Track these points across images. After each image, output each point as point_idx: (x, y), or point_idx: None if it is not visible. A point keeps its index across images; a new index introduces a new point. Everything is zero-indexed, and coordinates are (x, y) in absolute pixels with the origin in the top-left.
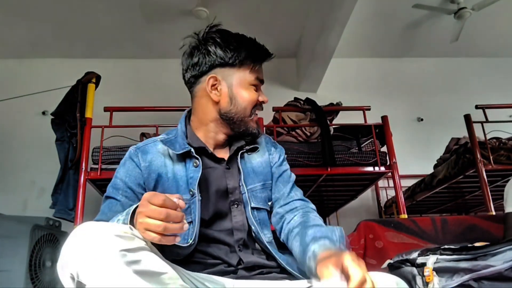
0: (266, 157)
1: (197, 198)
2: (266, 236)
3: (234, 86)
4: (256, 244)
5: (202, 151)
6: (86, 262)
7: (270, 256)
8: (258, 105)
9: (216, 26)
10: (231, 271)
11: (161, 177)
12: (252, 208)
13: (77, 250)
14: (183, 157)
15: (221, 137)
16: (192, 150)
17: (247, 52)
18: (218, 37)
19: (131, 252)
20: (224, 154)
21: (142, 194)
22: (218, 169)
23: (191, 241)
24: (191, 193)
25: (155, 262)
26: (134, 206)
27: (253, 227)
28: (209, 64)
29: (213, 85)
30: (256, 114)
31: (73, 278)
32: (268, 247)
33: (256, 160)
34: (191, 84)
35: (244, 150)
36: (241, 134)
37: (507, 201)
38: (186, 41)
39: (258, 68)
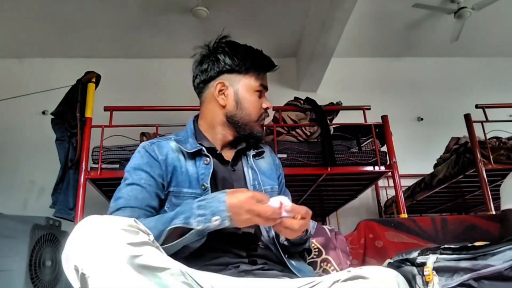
0: (273, 165)
1: (210, 192)
2: (272, 232)
3: (240, 91)
4: (263, 237)
5: (211, 151)
6: (90, 254)
7: (274, 250)
8: (263, 112)
9: (226, 38)
10: (235, 262)
11: (176, 170)
12: None
13: (82, 242)
14: (193, 156)
15: (228, 138)
16: (204, 148)
17: (253, 61)
18: (226, 46)
19: (136, 246)
20: (230, 155)
21: (162, 185)
22: (225, 170)
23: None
24: (203, 187)
25: (158, 257)
26: (221, 195)
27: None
28: (217, 70)
29: (220, 90)
30: (263, 120)
31: (77, 270)
32: (275, 240)
33: (264, 165)
34: (200, 89)
35: (254, 153)
36: (246, 136)
37: (502, 198)
38: (197, 51)
39: (262, 76)
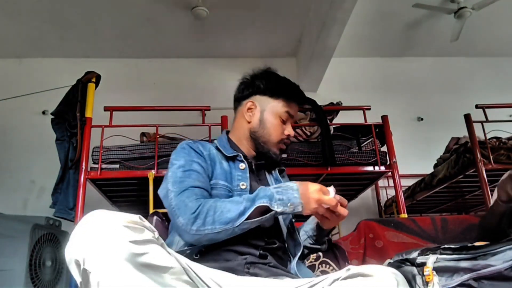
0: None
1: (249, 191)
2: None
3: (265, 112)
4: (280, 232)
5: (244, 158)
6: (92, 251)
7: (287, 244)
8: (285, 138)
9: (269, 68)
10: (245, 253)
11: (215, 165)
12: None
13: (85, 238)
14: (228, 159)
15: (252, 153)
16: (240, 155)
17: (284, 88)
18: (265, 73)
19: (138, 245)
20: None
21: (208, 176)
22: (252, 177)
23: None
24: (243, 186)
25: (161, 255)
26: (293, 185)
27: (283, 224)
28: (251, 91)
29: (249, 108)
30: (283, 144)
31: (78, 265)
32: (294, 235)
33: (284, 181)
34: (235, 106)
35: (279, 169)
36: (262, 154)
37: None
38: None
39: (290, 105)
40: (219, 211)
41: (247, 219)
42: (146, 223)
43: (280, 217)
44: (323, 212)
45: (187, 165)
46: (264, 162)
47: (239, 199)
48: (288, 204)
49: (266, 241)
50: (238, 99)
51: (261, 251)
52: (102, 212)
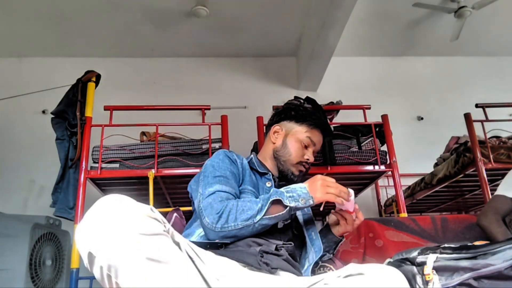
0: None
1: None
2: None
3: (289, 135)
4: (301, 239)
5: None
6: (98, 239)
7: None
8: (304, 162)
9: (307, 98)
10: (261, 243)
11: (245, 172)
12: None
13: (93, 224)
14: (255, 174)
15: (275, 172)
16: (270, 173)
17: (310, 116)
18: (295, 101)
19: (146, 237)
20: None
21: (238, 182)
22: None
23: None
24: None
25: (168, 250)
26: (300, 184)
27: (306, 231)
28: (280, 117)
29: (276, 132)
30: (302, 167)
31: (86, 248)
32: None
33: None
34: (266, 132)
35: None
36: (282, 172)
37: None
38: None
39: (313, 132)
40: (241, 210)
41: (265, 215)
42: (157, 214)
43: (303, 224)
44: (332, 199)
45: (218, 171)
46: (285, 183)
47: (257, 200)
48: (300, 200)
49: (284, 243)
50: (269, 125)
51: (277, 246)
52: (115, 199)
